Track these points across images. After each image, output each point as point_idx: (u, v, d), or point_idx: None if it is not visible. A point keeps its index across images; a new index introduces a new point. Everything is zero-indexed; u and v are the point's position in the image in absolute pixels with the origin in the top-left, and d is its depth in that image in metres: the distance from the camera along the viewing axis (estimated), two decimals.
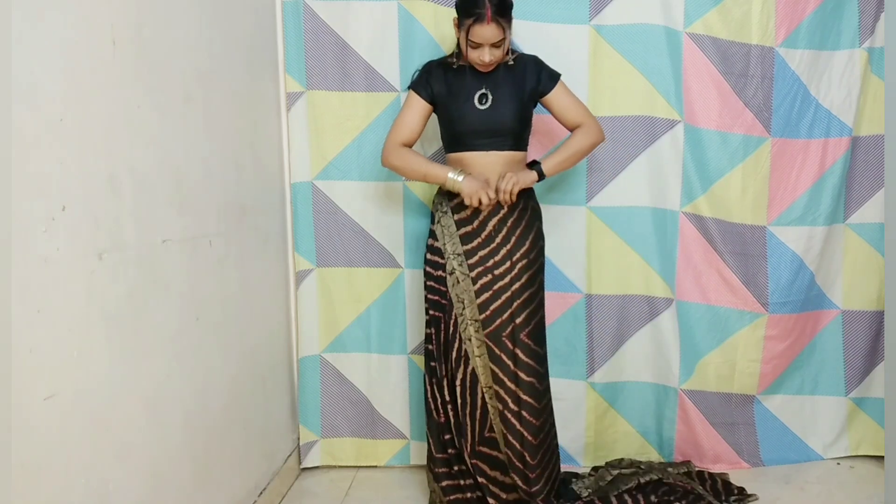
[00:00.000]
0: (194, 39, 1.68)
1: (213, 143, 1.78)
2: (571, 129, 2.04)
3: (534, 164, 1.99)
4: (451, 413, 2.03)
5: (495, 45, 1.86)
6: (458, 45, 1.93)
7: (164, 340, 1.51)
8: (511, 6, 1.88)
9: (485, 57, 1.87)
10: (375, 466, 2.44)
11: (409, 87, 2.03)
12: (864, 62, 2.30)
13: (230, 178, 1.88)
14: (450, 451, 2.06)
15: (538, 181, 1.98)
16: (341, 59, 2.27)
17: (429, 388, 2.07)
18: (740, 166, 2.31)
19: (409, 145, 2.02)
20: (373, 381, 2.42)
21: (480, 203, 1.91)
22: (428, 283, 2.05)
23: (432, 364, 2.06)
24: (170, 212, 1.54)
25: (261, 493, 2.07)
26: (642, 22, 2.25)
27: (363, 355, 2.41)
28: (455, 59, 1.98)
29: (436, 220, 2.04)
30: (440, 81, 1.98)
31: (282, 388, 2.33)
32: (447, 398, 2.03)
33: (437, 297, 2.03)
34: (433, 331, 2.05)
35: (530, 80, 1.98)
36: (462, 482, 2.05)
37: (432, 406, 2.06)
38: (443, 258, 2.01)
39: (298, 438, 2.41)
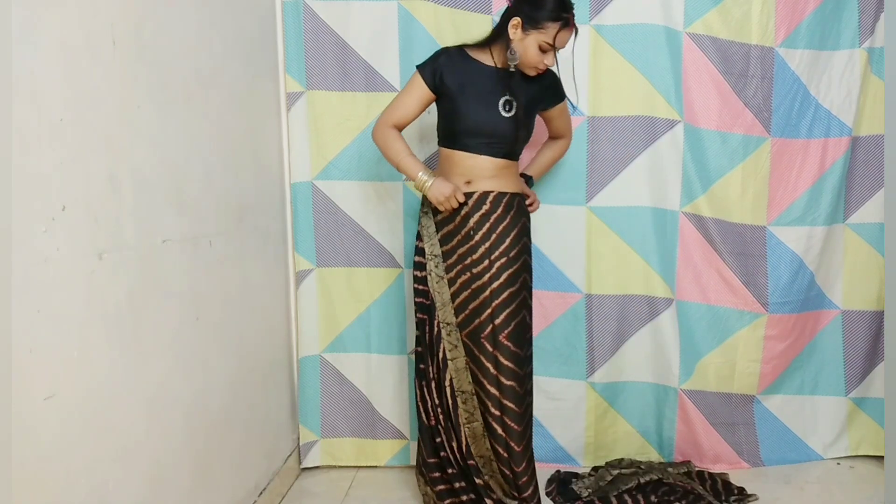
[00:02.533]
0: (194, 39, 1.68)
1: (213, 143, 1.78)
2: (554, 137, 2.18)
3: (526, 179, 2.12)
4: (440, 416, 1.99)
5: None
6: (512, 46, 1.84)
7: (164, 340, 1.51)
8: None
9: (550, 61, 1.86)
10: (375, 466, 2.44)
11: (417, 67, 1.92)
12: (864, 62, 2.30)
13: (230, 177, 1.88)
14: (442, 454, 2.02)
15: None
16: (341, 59, 2.28)
17: (418, 391, 2.03)
18: (740, 166, 2.31)
19: (401, 127, 1.97)
20: (373, 381, 2.42)
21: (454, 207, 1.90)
22: (414, 284, 2.03)
23: (421, 367, 2.02)
24: (170, 212, 1.54)
25: (261, 493, 2.07)
26: (642, 22, 2.25)
27: (363, 355, 2.41)
28: (512, 61, 1.85)
29: (419, 221, 2.03)
30: (455, 73, 1.89)
31: (282, 388, 2.33)
32: (436, 401, 1.99)
33: (421, 299, 2.01)
34: (420, 333, 2.02)
35: (545, 93, 1.99)
36: (456, 485, 2.01)
37: (422, 409, 2.03)
38: (425, 258, 2.00)
39: (298, 438, 2.42)
